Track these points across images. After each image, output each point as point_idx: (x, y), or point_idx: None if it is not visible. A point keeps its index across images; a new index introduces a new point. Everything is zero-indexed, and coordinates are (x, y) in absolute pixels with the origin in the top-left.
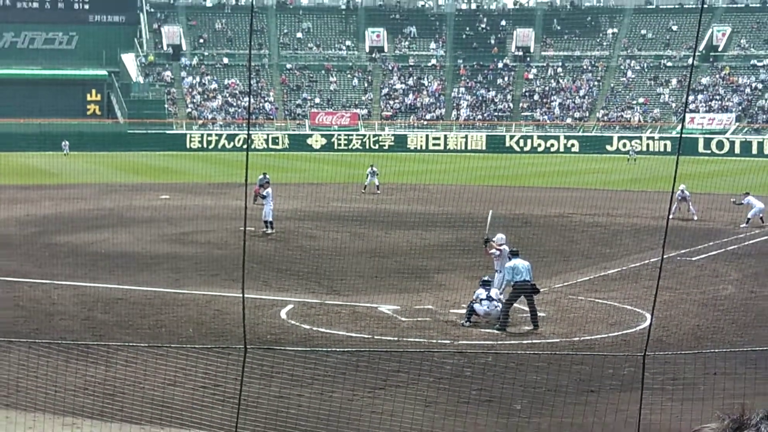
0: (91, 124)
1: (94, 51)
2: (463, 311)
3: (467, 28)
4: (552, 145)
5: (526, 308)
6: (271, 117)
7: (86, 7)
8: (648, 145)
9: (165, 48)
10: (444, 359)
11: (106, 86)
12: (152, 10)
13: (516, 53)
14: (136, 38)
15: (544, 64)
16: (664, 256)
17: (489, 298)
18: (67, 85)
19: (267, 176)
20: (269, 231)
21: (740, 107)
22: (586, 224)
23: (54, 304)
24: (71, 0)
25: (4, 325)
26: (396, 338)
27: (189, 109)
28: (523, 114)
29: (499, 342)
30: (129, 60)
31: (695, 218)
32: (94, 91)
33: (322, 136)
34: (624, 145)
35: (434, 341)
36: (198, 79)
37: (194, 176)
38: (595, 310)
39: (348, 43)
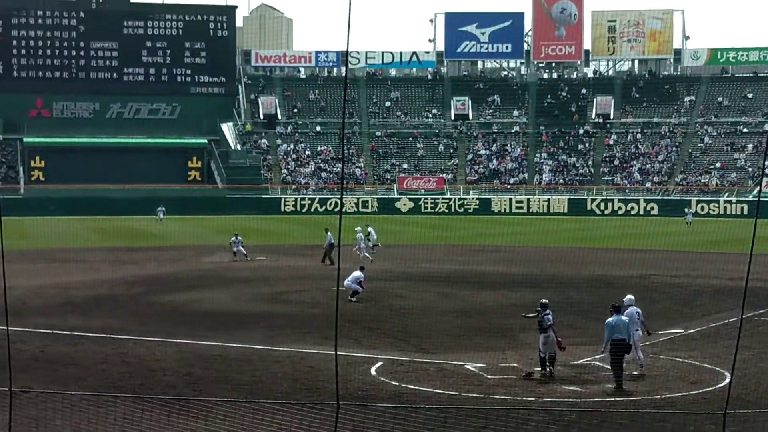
0: (192, 189)
1: (195, 121)
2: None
3: (549, 96)
4: (632, 208)
5: (609, 367)
6: (361, 182)
7: (188, 79)
8: (725, 208)
9: (261, 117)
10: (529, 416)
11: (206, 153)
12: (250, 81)
13: (596, 120)
14: (235, 108)
15: (624, 131)
16: (744, 316)
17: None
18: (169, 152)
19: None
20: (353, 299)
21: None
22: (666, 285)
23: (157, 360)
24: (174, 73)
25: (110, 380)
26: (482, 395)
27: (284, 175)
28: (603, 178)
29: (583, 399)
30: (227, 129)
31: None
32: (195, 158)
33: (410, 199)
34: (702, 208)
35: (519, 398)
36: (292, 146)
37: (289, 238)
38: (676, 369)
39: (434, 111)
